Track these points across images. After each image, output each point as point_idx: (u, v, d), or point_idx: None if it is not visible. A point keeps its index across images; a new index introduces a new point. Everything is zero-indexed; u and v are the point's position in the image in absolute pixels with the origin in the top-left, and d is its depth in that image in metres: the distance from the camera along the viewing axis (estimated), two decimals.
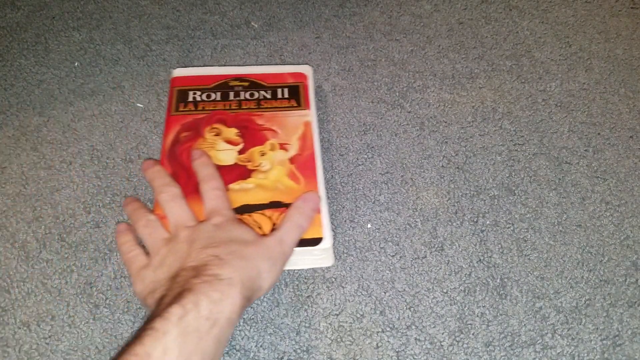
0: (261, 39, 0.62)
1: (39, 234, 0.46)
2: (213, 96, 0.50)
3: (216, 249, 0.36)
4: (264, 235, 0.40)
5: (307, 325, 0.41)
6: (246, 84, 0.51)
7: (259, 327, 0.41)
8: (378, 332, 0.41)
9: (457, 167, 0.51)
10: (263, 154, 0.46)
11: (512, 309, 0.42)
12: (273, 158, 0.45)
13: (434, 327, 0.41)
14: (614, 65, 0.60)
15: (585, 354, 0.40)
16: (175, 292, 0.33)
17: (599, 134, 0.54)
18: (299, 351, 0.40)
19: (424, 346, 0.40)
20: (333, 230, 0.46)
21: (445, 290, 0.43)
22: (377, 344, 0.40)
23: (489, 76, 0.59)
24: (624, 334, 0.41)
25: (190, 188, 0.43)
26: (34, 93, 0.57)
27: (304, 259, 0.43)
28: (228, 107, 0.49)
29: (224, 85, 0.51)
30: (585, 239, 0.46)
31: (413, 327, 0.41)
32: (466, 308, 0.42)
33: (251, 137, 0.47)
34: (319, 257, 0.43)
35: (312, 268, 0.44)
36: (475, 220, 0.47)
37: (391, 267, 0.45)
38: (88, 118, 0.55)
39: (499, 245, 0.46)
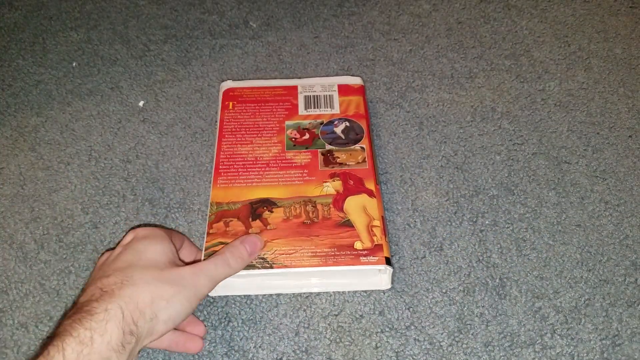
0: (259, 38, 0.62)
1: (37, 234, 0.46)
2: None
3: (105, 280, 0.33)
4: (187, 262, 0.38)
5: (306, 325, 0.41)
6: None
7: (258, 327, 0.41)
8: (377, 332, 0.41)
9: (456, 167, 0.51)
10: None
11: (512, 309, 0.42)
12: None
13: (433, 327, 0.41)
14: (613, 64, 0.60)
15: (585, 354, 0.40)
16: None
17: (598, 133, 0.54)
18: (297, 352, 0.40)
19: (423, 346, 0.40)
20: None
21: (444, 291, 0.43)
22: (376, 345, 0.40)
23: (488, 76, 0.59)
24: (624, 334, 0.41)
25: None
26: (31, 93, 0.57)
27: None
28: None
29: None
30: (584, 238, 0.46)
31: (412, 327, 0.41)
32: (465, 308, 0.42)
33: None
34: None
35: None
36: (474, 220, 0.47)
37: None
38: (86, 118, 0.55)
39: (498, 245, 0.46)
